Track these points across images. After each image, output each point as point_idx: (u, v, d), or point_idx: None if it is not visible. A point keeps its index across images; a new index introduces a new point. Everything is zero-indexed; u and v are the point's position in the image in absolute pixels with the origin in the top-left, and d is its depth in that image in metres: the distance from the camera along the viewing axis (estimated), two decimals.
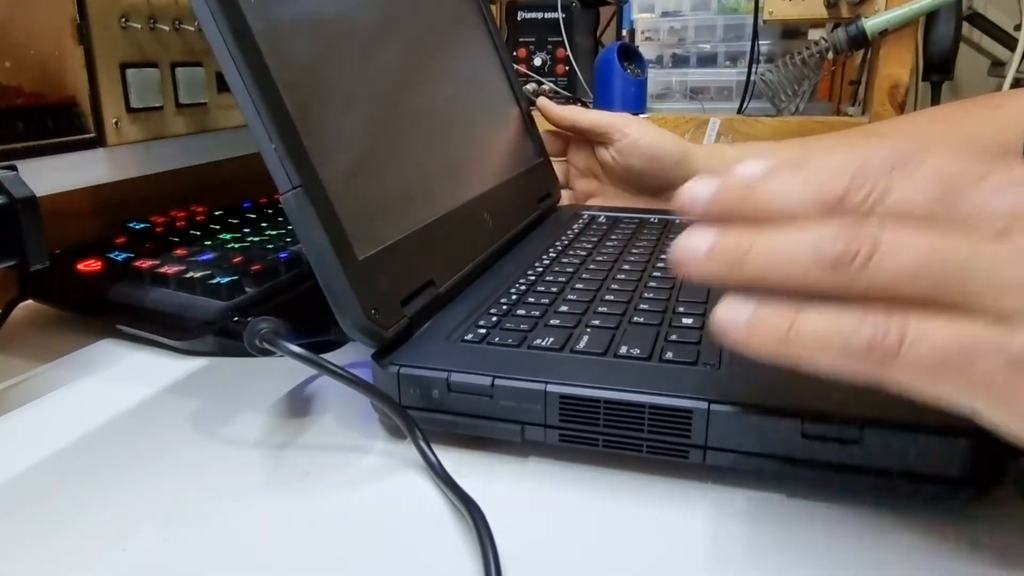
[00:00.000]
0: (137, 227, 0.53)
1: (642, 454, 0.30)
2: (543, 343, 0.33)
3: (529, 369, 0.31)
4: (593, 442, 0.30)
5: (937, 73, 1.13)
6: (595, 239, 0.51)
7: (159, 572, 0.26)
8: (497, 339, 0.34)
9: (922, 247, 0.21)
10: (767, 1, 0.95)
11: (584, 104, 1.04)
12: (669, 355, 0.32)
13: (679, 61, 1.05)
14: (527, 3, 1.08)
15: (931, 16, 1.01)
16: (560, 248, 0.49)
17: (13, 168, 0.37)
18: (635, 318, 0.36)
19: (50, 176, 0.44)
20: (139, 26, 0.51)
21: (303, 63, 0.34)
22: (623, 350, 0.32)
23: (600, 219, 0.58)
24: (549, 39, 1.07)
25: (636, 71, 0.98)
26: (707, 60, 1.04)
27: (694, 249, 0.24)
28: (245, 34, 0.31)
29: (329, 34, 0.37)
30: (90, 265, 0.46)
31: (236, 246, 0.50)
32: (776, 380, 0.29)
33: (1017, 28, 1.18)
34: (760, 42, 0.99)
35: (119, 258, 0.46)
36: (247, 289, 0.43)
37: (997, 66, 1.30)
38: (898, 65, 0.91)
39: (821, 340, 0.22)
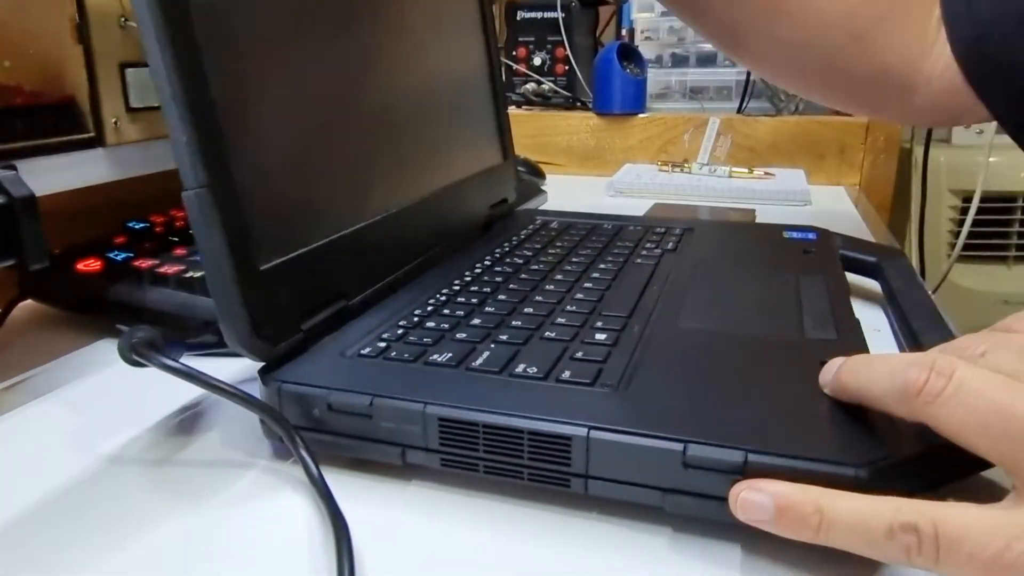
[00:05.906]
0: (137, 227, 0.53)
1: (523, 481, 0.28)
2: (440, 359, 0.32)
3: (413, 388, 0.29)
4: (474, 467, 0.28)
5: None
6: (538, 246, 0.50)
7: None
8: (394, 354, 0.32)
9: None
10: None
11: (583, 104, 1.04)
12: (567, 374, 0.30)
13: (679, 60, 1.05)
14: (527, 3, 1.08)
15: None
16: (498, 255, 0.47)
17: (12, 168, 0.37)
18: (548, 333, 0.34)
19: (49, 176, 0.44)
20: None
21: (242, 37, 0.30)
22: (520, 368, 0.31)
23: (553, 224, 0.56)
24: (548, 39, 1.07)
25: (636, 71, 0.98)
26: (707, 59, 1.04)
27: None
28: (175, 3, 0.28)
29: (278, 5, 0.33)
30: (90, 265, 0.46)
31: None
32: (672, 404, 0.28)
33: None
34: None
35: (119, 258, 0.46)
36: None
37: None
38: None
39: (847, 533, 0.23)
